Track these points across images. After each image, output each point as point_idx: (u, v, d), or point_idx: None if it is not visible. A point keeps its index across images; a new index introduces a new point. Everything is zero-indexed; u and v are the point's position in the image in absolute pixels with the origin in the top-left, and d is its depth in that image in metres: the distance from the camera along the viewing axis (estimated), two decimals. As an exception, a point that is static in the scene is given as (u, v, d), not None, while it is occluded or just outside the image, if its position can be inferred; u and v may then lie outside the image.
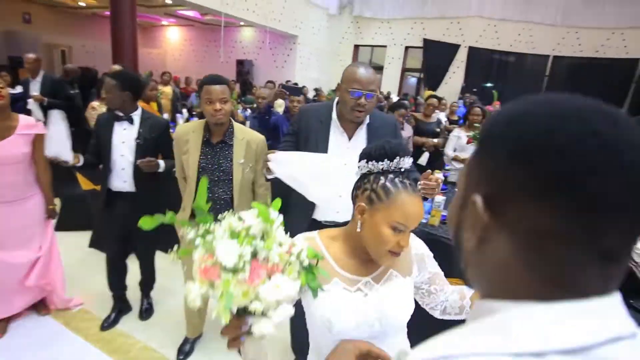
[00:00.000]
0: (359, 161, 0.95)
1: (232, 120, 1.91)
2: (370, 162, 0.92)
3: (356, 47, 12.00)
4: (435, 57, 10.69)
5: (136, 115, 2.15)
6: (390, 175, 0.90)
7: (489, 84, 10.08)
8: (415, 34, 10.90)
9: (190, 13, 10.31)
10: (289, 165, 1.43)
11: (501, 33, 9.96)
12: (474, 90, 9.38)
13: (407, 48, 11.27)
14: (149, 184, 2.20)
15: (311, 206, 1.74)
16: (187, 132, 1.87)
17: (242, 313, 0.72)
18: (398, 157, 0.90)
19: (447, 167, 3.84)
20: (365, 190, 0.91)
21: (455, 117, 6.12)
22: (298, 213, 1.82)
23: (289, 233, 0.79)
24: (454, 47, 10.48)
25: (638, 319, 0.37)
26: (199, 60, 12.44)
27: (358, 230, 0.92)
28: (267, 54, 10.85)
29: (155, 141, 2.17)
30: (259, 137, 1.95)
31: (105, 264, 2.34)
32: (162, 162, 2.12)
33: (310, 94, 8.31)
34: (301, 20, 10.28)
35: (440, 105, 5.30)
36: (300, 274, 0.77)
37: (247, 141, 1.88)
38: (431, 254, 1.06)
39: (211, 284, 0.69)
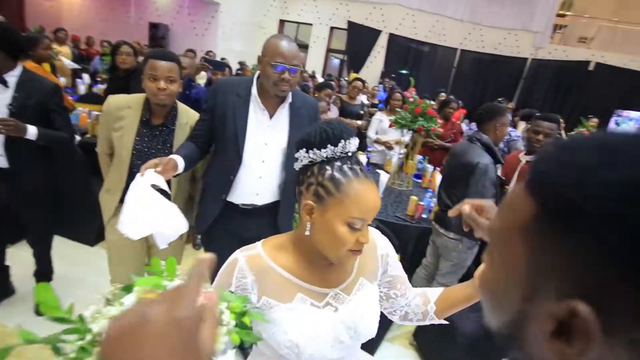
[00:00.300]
0: (297, 151, 0.81)
1: (177, 102, 1.73)
2: (311, 151, 0.78)
3: (282, 22, 11.71)
4: (359, 40, 10.95)
5: (12, 77, 1.81)
6: (337, 163, 0.78)
7: (404, 71, 10.69)
8: (341, 15, 11.00)
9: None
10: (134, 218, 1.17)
11: (418, 23, 10.57)
12: (393, 75, 9.89)
13: (332, 28, 11.34)
14: (30, 160, 1.88)
15: (225, 188, 1.66)
16: (122, 107, 1.64)
17: None
18: (343, 140, 0.77)
19: (369, 149, 4.03)
20: (311, 185, 0.78)
21: (375, 101, 6.43)
22: (211, 196, 1.71)
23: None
24: (376, 32, 10.85)
25: None
26: (103, 19, 10.95)
27: (307, 233, 0.80)
28: (186, 20, 10.00)
29: (38, 108, 1.85)
30: None
31: None
32: (32, 128, 1.78)
33: (234, 68, 7.93)
34: (223, -13, 9.64)
35: (364, 89, 5.49)
36: (231, 335, 0.58)
37: (191, 126, 1.71)
38: (395, 255, 0.96)
39: None
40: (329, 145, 0.77)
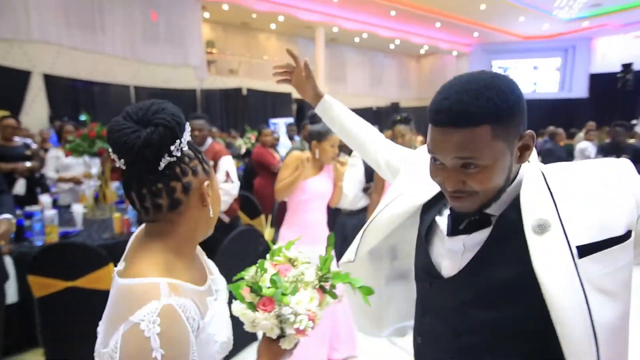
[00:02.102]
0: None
1: None
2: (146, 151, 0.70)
3: None
4: (6, 83, 9.03)
5: None
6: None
7: (83, 117, 9.75)
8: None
9: None
10: None
11: (77, 62, 9.91)
12: (65, 119, 8.84)
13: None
14: None
15: None
16: None
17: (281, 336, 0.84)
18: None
19: (53, 190, 3.66)
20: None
21: (49, 145, 5.74)
22: None
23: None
24: (25, 74, 9.30)
25: None
26: None
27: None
28: None
29: None
30: None
31: None
32: None
33: None
34: None
35: (21, 130, 4.79)
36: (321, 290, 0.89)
37: None
38: None
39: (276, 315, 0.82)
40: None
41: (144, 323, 0.61)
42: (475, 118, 0.66)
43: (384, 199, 1.01)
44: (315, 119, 2.52)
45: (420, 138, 5.91)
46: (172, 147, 0.71)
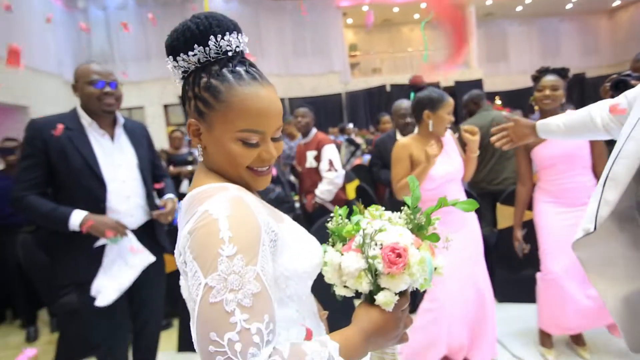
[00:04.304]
0: (169, 61, 0.68)
1: None
2: (179, 58, 0.65)
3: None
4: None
5: None
6: (215, 67, 0.64)
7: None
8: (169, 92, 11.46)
9: None
10: None
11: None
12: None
13: (165, 106, 11.66)
14: None
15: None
16: None
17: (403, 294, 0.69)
18: (213, 37, 0.63)
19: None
20: (190, 100, 0.66)
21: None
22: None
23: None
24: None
25: None
26: None
27: (200, 159, 0.70)
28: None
29: None
30: None
31: None
32: None
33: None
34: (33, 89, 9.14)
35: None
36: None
37: None
38: None
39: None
40: (196, 46, 0.64)
41: (213, 208, 0.58)
42: None
43: (622, 133, 0.90)
44: (420, 86, 2.09)
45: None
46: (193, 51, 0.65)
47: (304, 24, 11.92)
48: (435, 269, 0.72)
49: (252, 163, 0.67)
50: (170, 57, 0.67)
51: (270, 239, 0.62)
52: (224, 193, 0.61)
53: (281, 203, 2.82)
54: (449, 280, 1.82)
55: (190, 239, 0.57)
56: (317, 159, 2.93)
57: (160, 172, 1.99)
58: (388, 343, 0.69)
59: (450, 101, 1.94)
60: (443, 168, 1.94)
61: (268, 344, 0.52)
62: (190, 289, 0.56)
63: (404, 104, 2.81)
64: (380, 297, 0.65)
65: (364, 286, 0.66)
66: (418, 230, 0.73)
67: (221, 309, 0.51)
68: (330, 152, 2.90)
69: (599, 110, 1.19)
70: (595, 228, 0.85)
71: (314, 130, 3.08)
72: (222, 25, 0.64)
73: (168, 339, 2.95)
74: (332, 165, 2.86)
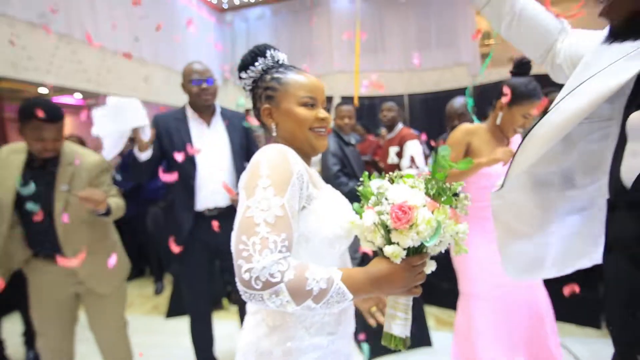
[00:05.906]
0: (240, 77, 0.94)
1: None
2: (249, 70, 0.93)
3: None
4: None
5: None
6: (273, 69, 0.92)
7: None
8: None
9: None
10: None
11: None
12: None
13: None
14: None
15: (190, 194, 1.90)
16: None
17: (414, 252, 0.76)
18: (269, 51, 0.93)
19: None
20: (260, 95, 0.92)
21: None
22: (181, 206, 1.92)
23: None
24: (329, 98, 12.07)
25: None
26: None
27: (274, 134, 0.92)
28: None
29: None
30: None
31: None
32: None
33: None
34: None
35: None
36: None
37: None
38: None
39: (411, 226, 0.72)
40: (259, 58, 0.93)
41: (260, 155, 0.79)
42: None
43: (556, 100, 0.83)
44: (521, 69, 1.76)
45: None
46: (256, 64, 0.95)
47: (429, 16, 11.32)
48: (457, 234, 0.76)
49: (313, 123, 0.88)
50: (242, 71, 0.94)
51: (300, 185, 0.79)
52: (273, 146, 0.81)
53: (355, 197, 2.77)
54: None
55: (243, 175, 0.80)
56: (399, 155, 2.79)
57: None
58: (394, 291, 0.78)
59: (535, 103, 1.63)
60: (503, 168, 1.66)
61: (280, 252, 0.70)
62: (237, 210, 0.76)
63: (456, 103, 2.43)
64: (388, 249, 0.74)
65: (379, 240, 0.77)
66: (438, 195, 0.78)
67: (252, 222, 0.72)
68: (413, 148, 2.73)
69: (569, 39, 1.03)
70: (502, 185, 0.95)
71: (400, 126, 2.94)
72: (270, 46, 0.94)
73: (158, 305, 3.35)
74: (413, 162, 2.68)
